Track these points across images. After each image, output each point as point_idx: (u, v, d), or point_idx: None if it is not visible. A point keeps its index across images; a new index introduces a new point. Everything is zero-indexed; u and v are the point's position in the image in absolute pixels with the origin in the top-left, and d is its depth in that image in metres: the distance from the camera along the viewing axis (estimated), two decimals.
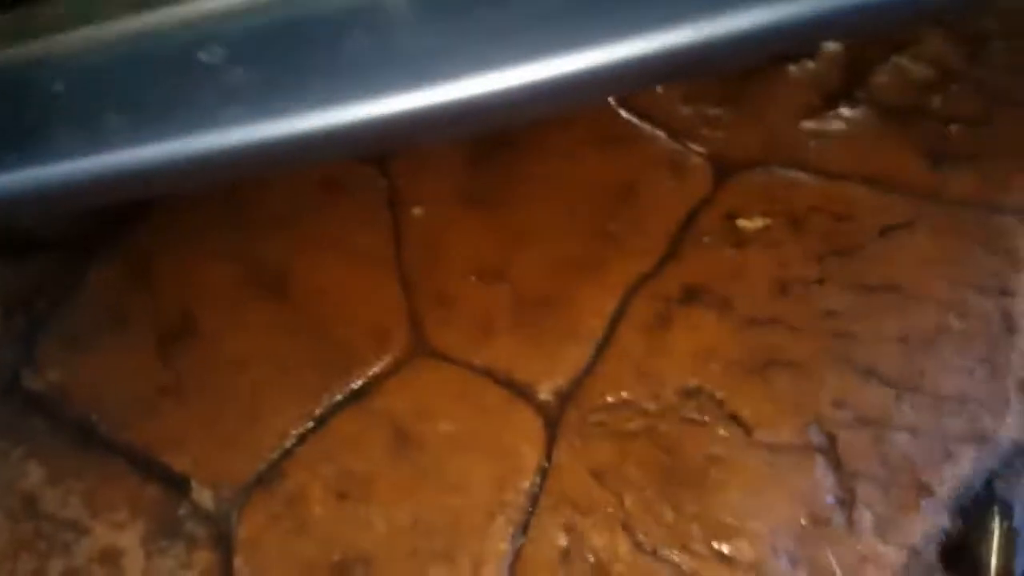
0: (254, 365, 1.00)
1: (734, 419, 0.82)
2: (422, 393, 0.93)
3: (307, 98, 0.50)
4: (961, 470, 0.74)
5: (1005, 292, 0.81)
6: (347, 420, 0.94)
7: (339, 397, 0.95)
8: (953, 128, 0.91)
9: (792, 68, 0.99)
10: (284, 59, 0.52)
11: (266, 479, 0.92)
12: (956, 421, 0.76)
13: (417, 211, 1.06)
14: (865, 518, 0.75)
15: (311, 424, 0.94)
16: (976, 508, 0.31)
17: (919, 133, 0.92)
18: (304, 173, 1.15)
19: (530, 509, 0.84)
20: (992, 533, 0.30)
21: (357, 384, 0.95)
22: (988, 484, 0.31)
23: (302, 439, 0.94)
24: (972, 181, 0.88)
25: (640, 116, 1.03)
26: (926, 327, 0.81)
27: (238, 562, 0.87)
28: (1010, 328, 0.79)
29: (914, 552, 0.74)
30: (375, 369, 0.95)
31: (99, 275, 1.06)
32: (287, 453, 0.93)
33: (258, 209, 1.13)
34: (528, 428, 0.89)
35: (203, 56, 0.51)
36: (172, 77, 0.52)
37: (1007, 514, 0.31)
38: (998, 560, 0.30)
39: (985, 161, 0.89)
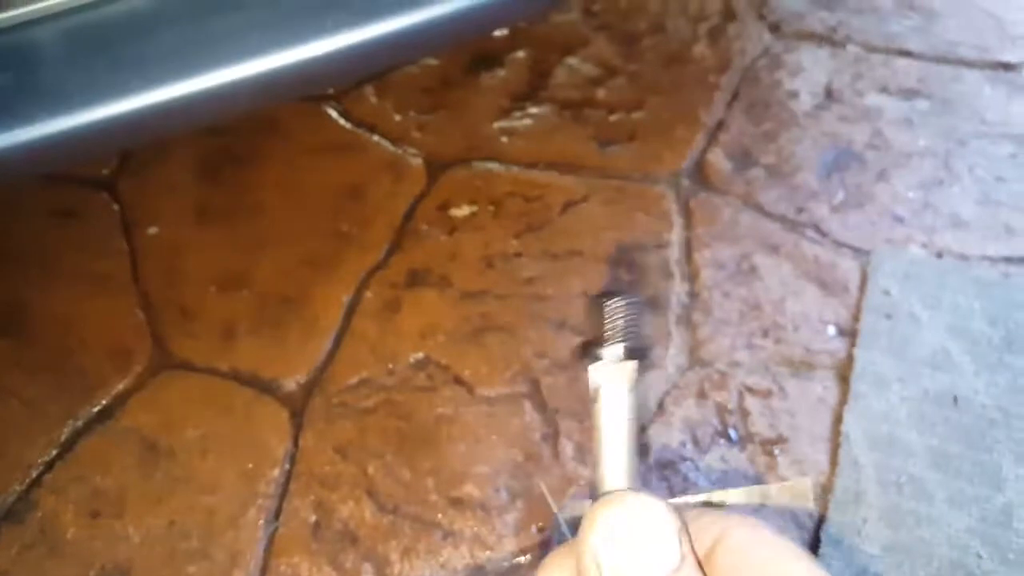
0: None
1: (457, 381, 0.93)
2: (168, 405, 0.96)
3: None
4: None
5: (661, 246, 0.99)
6: (94, 442, 0.94)
7: (83, 421, 0.95)
8: (615, 115, 1.09)
9: (485, 76, 1.12)
10: None
11: (14, 512, 0.90)
12: None
13: (152, 231, 1.08)
14: (567, 447, 0.89)
15: (56, 451, 0.93)
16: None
17: (589, 122, 1.08)
18: (34, 205, 1.13)
19: (281, 495, 0.89)
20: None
21: (101, 405, 0.96)
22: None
23: (49, 467, 0.93)
24: (632, 158, 1.05)
25: (361, 125, 1.13)
26: (601, 281, 0.97)
27: None
28: (667, 274, 0.97)
29: None
30: (118, 388, 0.97)
31: None
32: (35, 483, 0.92)
33: None
34: (275, 421, 0.94)
35: None
36: None
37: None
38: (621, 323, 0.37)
39: (641, 141, 1.07)
